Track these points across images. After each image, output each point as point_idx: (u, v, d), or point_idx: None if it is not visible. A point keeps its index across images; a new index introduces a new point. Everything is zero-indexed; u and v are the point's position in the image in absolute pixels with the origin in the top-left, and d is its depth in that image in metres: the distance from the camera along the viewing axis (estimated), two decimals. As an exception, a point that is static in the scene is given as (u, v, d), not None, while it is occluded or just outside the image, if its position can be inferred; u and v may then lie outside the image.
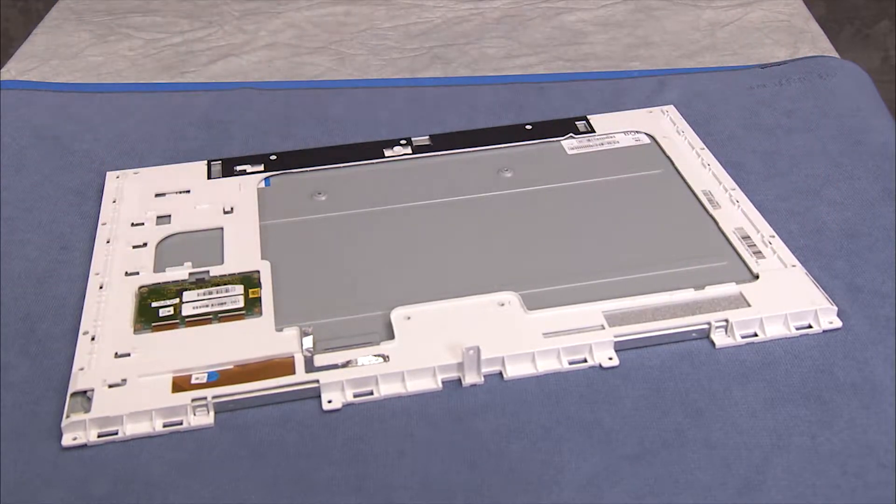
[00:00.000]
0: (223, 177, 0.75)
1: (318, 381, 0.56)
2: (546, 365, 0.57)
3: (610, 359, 0.58)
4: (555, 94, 0.85)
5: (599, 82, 0.87)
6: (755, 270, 0.62)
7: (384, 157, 0.77)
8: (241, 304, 0.62)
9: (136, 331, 0.60)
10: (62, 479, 0.52)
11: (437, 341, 0.58)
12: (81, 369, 0.57)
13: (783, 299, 0.60)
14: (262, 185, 0.74)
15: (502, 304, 0.61)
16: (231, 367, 0.57)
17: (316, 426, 0.55)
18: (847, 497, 0.49)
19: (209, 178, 0.75)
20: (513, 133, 0.79)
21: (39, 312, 0.63)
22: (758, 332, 0.59)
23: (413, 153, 0.77)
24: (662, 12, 1.00)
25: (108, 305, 0.62)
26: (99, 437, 0.54)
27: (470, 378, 0.57)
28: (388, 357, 0.57)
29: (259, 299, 0.62)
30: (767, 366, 0.57)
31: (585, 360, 0.58)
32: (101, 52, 0.97)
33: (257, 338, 0.59)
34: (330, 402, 0.56)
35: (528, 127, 0.79)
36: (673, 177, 0.73)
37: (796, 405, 0.54)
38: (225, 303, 0.62)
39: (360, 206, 0.71)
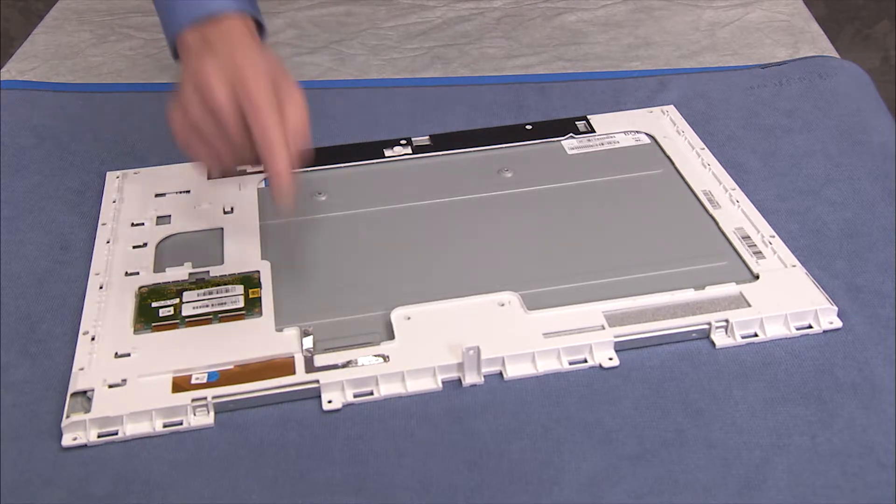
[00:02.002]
0: (223, 177, 0.75)
1: (318, 382, 0.56)
2: (546, 365, 0.57)
3: (610, 359, 0.58)
4: (555, 94, 0.85)
5: (599, 82, 0.87)
6: (755, 270, 0.62)
7: (384, 157, 0.77)
8: (241, 304, 0.62)
9: (136, 331, 0.60)
10: (62, 479, 0.52)
11: (437, 341, 0.58)
12: (81, 369, 0.57)
13: (783, 299, 0.60)
14: (262, 185, 0.74)
15: (502, 304, 0.61)
16: (231, 367, 0.57)
17: (316, 426, 0.55)
18: (847, 497, 0.49)
19: (209, 178, 0.75)
20: (513, 133, 0.79)
21: (39, 312, 0.63)
22: (758, 332, 0.59)
23: (413, 153, 0.77)
24: (662, 12, 1.00)
25: (108, 305, 0.62)
26: (99, 437, 0.54)
27: (470, 378, 0.57)
28: (388, 357, 0.57)
29: (259, 299, 0.62)
30: (767, 366, 0.57)
31: (585, 361, 0.58)
32: (101, 52, 0.97)
33: (257, 338, 0.59)
34: (330, 402, 0.56)
35: (528, 127, 0.79)
36: (673, 177, 0.73)
37: (796, 405, 0.55)
38: (225, 303, 0.62)
39: (360, 206, 0.71)
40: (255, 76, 0.57)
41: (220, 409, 0.55)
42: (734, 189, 0.70)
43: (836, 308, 0.60)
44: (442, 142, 0.78)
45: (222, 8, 0.60)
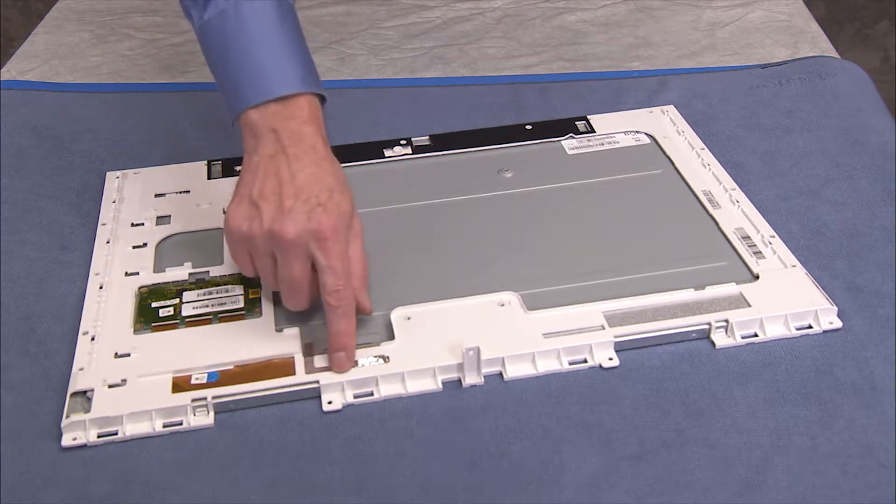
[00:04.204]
0: (223, 177, 0.75)
1: (318, 382, 0.56)
2: (546, 365, 0.57)
3: (610, 359, 0.58)
4: (555, 94, 0.85)
5: (599, 82, 0.87)
6: (755, 270, 0.62)
7: (384, 157, 0.77)
8: (241, 305, 0.62)
9: (136, 331, 0.60)
10: (62, 479, 0.52)
11: (437, 342, 0.58)
12: (81, 369, 0.57)
13: (783, 299, 0.60)
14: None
15: (502, 305, 0.61)
16: (231, 367, 0.57)
17: (316, 426, 0.55)
18: (847, 497, 0.49)
19: (209, 178, 0.75)
20: (513, 133, 0.79)
21: (39, 312, 0.63)
22: (758, 333, 0.59)
23: (413, 153, 0.77)
24: (662, 12, 1.00)
25: (108, 305, 0.62)
26: (99, 437, 0.54)
27: (470, 378, 0.57)
28: (388, 358, 0.57)
29: (259, 299, 0.62)
30: (767, 366, 0.57)
31: (585, 361, 0.58)
32: (101, 52, 0.97)
33: (257, 338, 0.59)
34: (330, 402, 0.56)
35: (528, 127, 0.79)
36: (673, 177, 0.73)
37: (796, 405, 0.54)
38: (225, 303, 0.62)
39: (360, 206, 0.70)
40: (334, 231, 0.55)
41: (220, 409, 0.55)
42: (734, 189, 0.70)
43: (836, 308, 0.60)
44: (442, 142, 0.78)
45: (290, 89, 0.58)
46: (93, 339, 0.60)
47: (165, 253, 0.67)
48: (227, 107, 0.60)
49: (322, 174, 0.57)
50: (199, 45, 0.62)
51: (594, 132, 0.78)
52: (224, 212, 0.70)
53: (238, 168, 0.74)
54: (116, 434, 0.54)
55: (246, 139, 0.59)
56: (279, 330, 0.60)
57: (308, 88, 0.59)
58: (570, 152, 0.76)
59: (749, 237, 0.66)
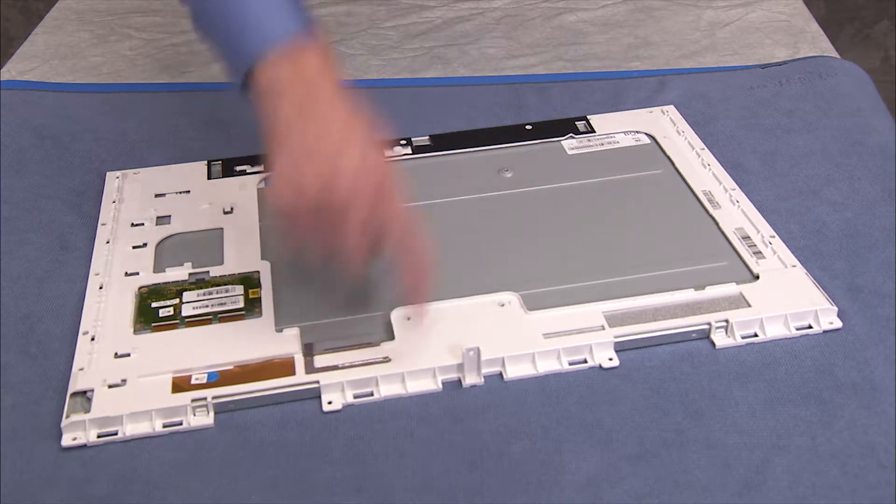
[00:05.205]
0: (223, 177, 0.75)
1: (318, 382, 0.56)
2: (546, 365, 0.57)
3: (610, 359, 0.58)
4: (555, 94, 0.85)
5: (599, 82, 0.87)
6: (755, 271, 0.62)
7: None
8: (241, 305, 0.62)
9: (136, 331, 0.60)
10: (62, 479, 0.52)
11: (437, 342, 0.58)
12: (81, 369, 0.57)
13: (783, 299, 0.60)
14: (262, 185, 0.74)
15: (502, 305, 0.61)
16: (231, 367, 0.57)
17: (316, 426, 0.55)
18: (847, 497, 0.49)
19: (209, 178, 0.75)
20: (513, 133, 0.79)
21: (39, 312, 0.63)
22: (758, 333, 0.59)
23: (413, 153, 0.77)
24: (662, 12, 1.00)
25: (108, 305, 0.62)
26: (99, 437, 0.54)
27: (470, 379, 0.57)
28: (388, 358, 0.57)
29: (259, 299, 0.62)
30: (767, 366, 0.57)
31: (585, 361, 0.58)
32: (101, 52, 0.97)
33: (257, 338, 0.59)
34: (330, 402, 0.56)
35: (528, 127, 0.79)
36: (673, 177, 0.73)
37: (796, 405, 0.54)
38: (225, 303, 0.62)
39: (360, 207, 0.71)
40: (391, 191, 0.54)
41: (220, 409, 0.55)
42: (734, 189, 0.70)
43: (836, 308, 0.60)
44: (442, 142, 0.78)
45: (293, 28, 0.56)
46: (93, 339, 0.60)
47: (165, 253, 0.67)
48: (233, 70, 0.58)
49: (353, 121, 0.56)
50: (194, 23, 0.60)
51: (594, 132, 0.78)
52: (224, 212, 0.70)
53: (238, 168, 0.75)
54: (116, 434, 0.54)
55: (261, 107, 0.56)
56: (279, 330, 0.60)
57: (310, 27, 0.57)
58: (570, 152, 0.76)
59: (749, 237, 0.66)
